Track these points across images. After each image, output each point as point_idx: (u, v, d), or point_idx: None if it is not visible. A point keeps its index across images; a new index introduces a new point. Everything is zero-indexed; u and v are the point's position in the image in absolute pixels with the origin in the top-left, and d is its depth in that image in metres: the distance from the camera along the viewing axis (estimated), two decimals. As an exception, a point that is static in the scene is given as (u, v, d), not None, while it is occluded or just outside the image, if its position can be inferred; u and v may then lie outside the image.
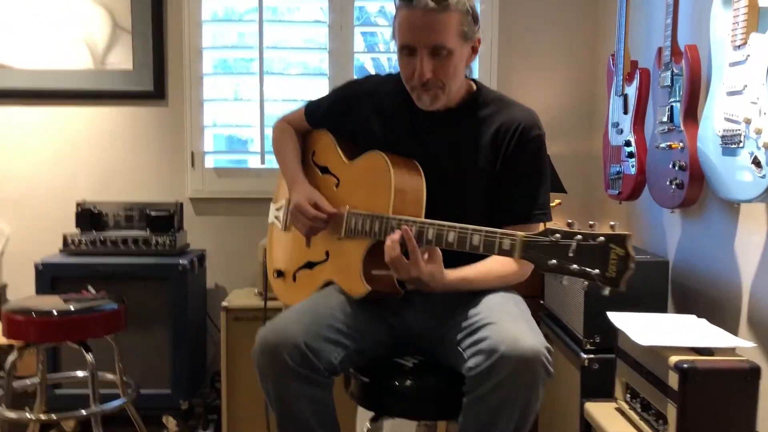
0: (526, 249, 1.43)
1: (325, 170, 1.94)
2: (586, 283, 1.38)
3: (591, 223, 1.38)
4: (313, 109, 2.01)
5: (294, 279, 1.97)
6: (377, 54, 3.40)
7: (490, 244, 1.50)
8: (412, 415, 1.76)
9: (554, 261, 1.38)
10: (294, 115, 2.06)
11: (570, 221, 1.41)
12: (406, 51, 1.67)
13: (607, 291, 1.35)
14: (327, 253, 1.86)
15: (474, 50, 1.72)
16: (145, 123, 3.16)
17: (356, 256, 1.72)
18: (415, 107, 1.77)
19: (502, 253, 1.48)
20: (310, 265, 1.91)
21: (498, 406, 1.46)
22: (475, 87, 1.82)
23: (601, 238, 1.33)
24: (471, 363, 1.49)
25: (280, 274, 2.02)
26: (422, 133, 1.79)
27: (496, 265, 1.70)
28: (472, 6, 1.67)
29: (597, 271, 1.33)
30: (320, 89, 3.17)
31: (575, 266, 1.36)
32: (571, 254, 1.36)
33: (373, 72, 3.36)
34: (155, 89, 3.11)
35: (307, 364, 1.54)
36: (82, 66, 3.09)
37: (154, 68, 3.10)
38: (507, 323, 1.50)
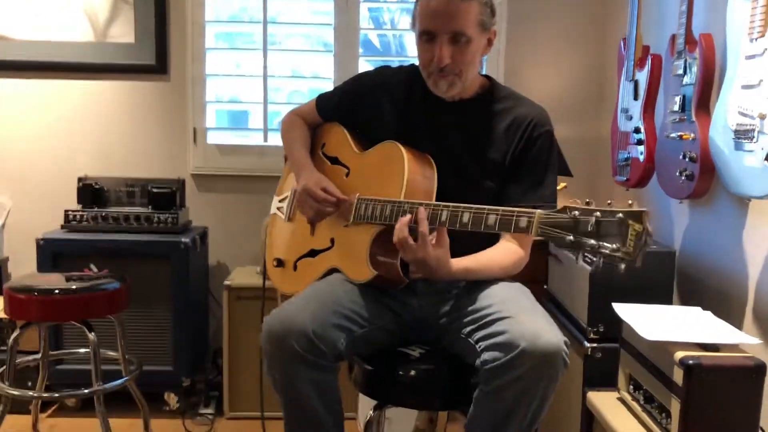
0: (543, 226, 1.44)
1: (335, 161, 1.93)
2: (601, 259, 1.38)
3: (609, 201, 1.38)
4: (324, 102, 2.01)
5: (294, 268, 1.96)
6: (384, 31, 3.34)
7: (506, 222, 1.50)
8: (415, 405, 1.76)
9: (571, 237, 1.39)
10: (304, 108, 2.06)
11: (588, 200, 1.41)
12: (426, 37, 1.70)
13: (622, 267, 1.35)
14: (332, 241, 1.85)
15: (489, 42, 1.77)
16: (147, 98, 3.12)
17: (364, 241, 1.72)
18: (429, 97, 1.79)
19: (518, 230, 1.48)
20: (313, 253, 1.90)
21: (515, 400, 1.47)
22: (488, 82, 1.85)
23: (620, 215, 1.34)
24: (487, 356, 1.49)
25: (280, 263, 2.01)
26: (436, 122, 1.81)
27: (498, 256, 1.72)
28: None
29: (616, 245, 1.34)
30: (326, 65, 3.13)
31: (593, 241, 1.36)
32: (589, 229, 1.37)
33: (379, 47, 3.31)
34: (157, 63, 3.07)
35: (315, 351, 1.55)
36: (82, 38, 3.04)
37: (156, 42, 3.05)
38: (525, 317, 1.51)
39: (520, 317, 1.51)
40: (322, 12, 3.17)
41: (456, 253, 1.65)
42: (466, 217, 1.56)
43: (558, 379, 1.49)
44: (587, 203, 1.41)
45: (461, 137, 1.79)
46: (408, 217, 1.59)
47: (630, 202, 1.36)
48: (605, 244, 1.34)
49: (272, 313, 1.62)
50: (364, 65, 3.11)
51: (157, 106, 3.12)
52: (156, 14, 3.03)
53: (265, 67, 3.04)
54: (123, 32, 3.04)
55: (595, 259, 1.38)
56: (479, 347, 1.53)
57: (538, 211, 1.46)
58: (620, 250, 1.33)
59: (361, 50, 3.11)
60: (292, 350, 1.54)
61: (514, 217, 1.49)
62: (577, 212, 1.39)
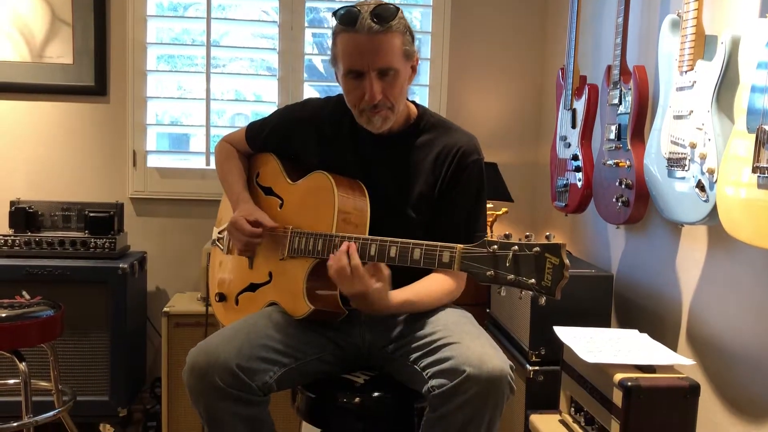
0: (465, 261, 1.45)
1: (269, 191, 1.91)
2: (523, 292, 1.41)
3: (527, 234, 1.41)
4: (254, 134, 1.97)
5: (236, 302, 1.93)
6: (328, 56, 3.34)
7: (430, 256, 1.51)
8: (359, 432, 1.75)
9: (492, 272, 1.41)
10: (236, 136, 2.02)
11: (507, 233, 1.44)
12: (353, 75, 1.65)
13: (543, 300, 1.38)
14: (270, 274, 1.83)
15: (413, 69, 1.74)
16: (85, 119, 3.04)
17: (299, 275, 1.70)
18: (357, 131, 1.77)
19: (442, 266, 1.50)
20: (252, 288, 1.88)
21: (463, 425, 1.47)
22: (416, 111, 1.82)
23: (537, 248, 1.36)
24: (434, 383, 1.49)
25: (222, 297, 1.98)
26: (364, 156, 1.79)
27: (434, 285, 1.71)
28: (408, 25, 1.68)
29: (533, 280, 1.37)
30: (269, 89, 3.12)
31: (512, 276, 1.39)
32: (507, 264, 1.39)
33: (323, 71, 3.33)
34: (96, 84, 3.00)
35: (239, 385, 1.52)
36: (17, 58, 2.95)
37: (96, 62, 2.99)
38: (470, 343, 1.51)
39: (465, 343, 1.52)
40: (266, 36, 3.17)
41: (395, 283, 1.65)
42: (393, 251, 1.56)
43: (504, 403, 1.49)
44: (506, 236, 1.43)
45: (389, 172, 1.78)
46: (345, 245, 1.57)
47: (547, 234, 1.38)
48: (523, 279, 1.37)
49: (197, 346, 1.58)
50: (309, 90, 3.12)
51: (96, 128, 3.05)
52: (95, 35, 2.97)
53: (207, 90, 3.01)
54: (61, 52, 2.97)
55: (517, 290, 1.41)
56: (426, 374, 1.53)
57: (459, 246, 1.46)
58: (539, 284, 1.35)
59: (305, 75, 3.12)
60: (215, 385, 1.51)
61: (437, 252, 1.49)
62: (495, 246, 1.40)
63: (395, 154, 1.78)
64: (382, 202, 1.74)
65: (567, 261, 1.34)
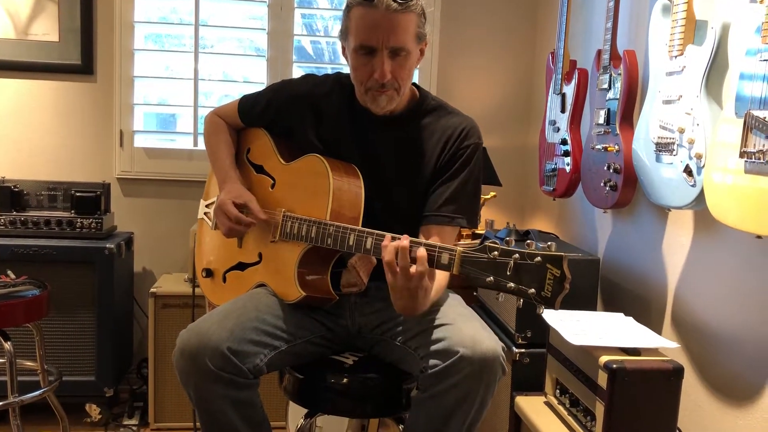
0: (465, 265, 1.42)
1: (260, 169, 1.88)
2: (521, 300, 1.40)
3: (528, 241, 1.39)
4: (247, 108, 1.91)
5: (224, 280, 1.91)
6: (318, 37, 3.33)
7: (430, 257, 1.46)
8: (347, 413, 1.75)
9: (491, 278, 1.39)
10: (227, 110, 1.96)
11: (507, 238, 1.41)
12: (365, 51, 1.61)
13: (542, 309, 1.37)
14: (260, 255, 1.81)
15: (422, 52, 1.71)
16: (72, 98, 3.01)
17: (291, 260, 1.69)
18: (356, 110, 1.75)
19: (441, 267, 1.45)
20: (241, 267, 1.86)
21: (454, 405, 1.48)
22: (417, 93, 1.80)
23: (539, 258, 1.34)
24: (426, 363, 1.49)
25: (209, 273, 1.96)
26: (363, 137, 1.76)
27: (441, 276, 1.64)
28: (424, 7, 1.65)
29: (533, 290, 1.35)
30: (258, 70, 3.10)
31: (512, 284, 1.36)
32: (508, 272, 1.37)
33: (312, 53, 3.31)
34: (83, 63, 2.97)
35: (230, 368, 1.51)
36: (1, 35, 2.91)
37: (82, 41, 2.96)
38: (463, 324, 1.52)
39: (458, 324, 1.52)
40: (256, 17, 3.14)
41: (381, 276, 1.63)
42: None
43: (496, 385, 1.51)
44: (506, 242, 1.39)
45: (388, 153, 1.75)
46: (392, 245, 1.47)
47: (549, 243, 1.36)
48: (523, 288, 1.35)
49: (188, 328, 1.57)
50: (298, 72, 3.10)
51: (83, 107, 3.02)
52: (82, 12, 2.93)
53: (195, 70, 2.99)
54: (46, 29, 2.93)
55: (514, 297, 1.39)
56: (419, 354, 1.54)
57: (459, 248, 1.43)
58: (539, 294, 1.34)
59: (294, 57, 3.10)
60: (206, 368, 1.49)
61: (436, 253, 1.45)
62: (496, 252, 1.38)
63: (395, 135, 1.75)
64: (379, 184, 1.72)
65: (569, 274, 1.33)
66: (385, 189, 1.74)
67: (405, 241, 1.45)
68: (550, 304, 1.33)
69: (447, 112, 1.79)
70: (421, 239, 1.51)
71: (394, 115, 1.74)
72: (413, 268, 1.43)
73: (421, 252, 1.43)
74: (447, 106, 1.81)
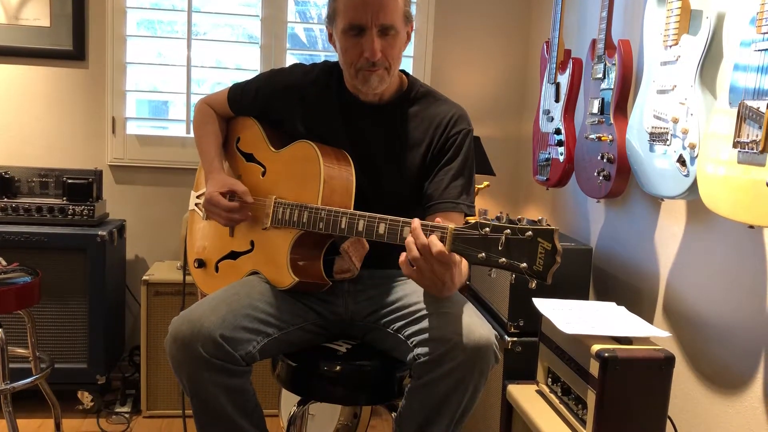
0: (457, 242, 1.43)
1: (250, 158, 1.88)
2: (514, 275, 1.40)
3: (519, 217, 1.40)
4: (237, 97, 1.92)
5: (216, 269, 1.91)
6: (311, 24, 3.32)
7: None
8: (341, 400, 1.76)
9: (483, 254, 1.40)
10: (217, 98, 1.96)
11: (498, 214, 1.43)
12: (355, 31, 1.62)
13: (534, 284, 1.37)
14: (252, 243, 1.81)
15: (408, 35, 1.72)
16: (63, 84, 2.99)
17: (283, 246, 1.69)
18: (345, 98, 1.75)
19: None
20: (233, 255, 1.86)
21: (448, 393, 1.48)
22: (407, 80, 1.80)
23: (530, 233, 1.35)
24: (419, 351, 1.49)
25: (201, 264, 1.95)
26: (352, 125, 1.76)
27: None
28: None
29: (525, 264, 1.35)
30: (251, 57, 3.08)
31: (504, 259, 1.38)
32: (500, 248, 1.38)
33: (305, 41, 3.29)
34: (74, 48, 2.94)
35: (223, 355, 1.51)
36: (-8, 19, 2.88)
37: (74, 26, 2.92)
38: (456, 312, 1.52)
39: (452, 312, 1.52)
40: (249, 3, 3.12)
41: (379, 260, 1.65)
42: (381, 228, 1.53)
43: (489, 372, 1.51)
44: (498, 217, 1.41)
45: (378, 141, 1.75)
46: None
47: (540, 218, 1.38)
48: (515, 262, 1.36)
49: (180, 315, 1.56)
50: (291, 59, 3.09)
51: (74, 93, 3.00)
52: (73, -4, 2.90)
53: (188, 57, 2.97)
54: (37, 14, 2.90)
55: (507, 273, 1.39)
56: (411, 342, 1.54)
57: (451, 226, 1.43)
58: (531, 268, 1.34)
59: (287, 44, 3.08)
60: (199, 355, 1.49)
61: (428, 232, 1.45)
62: (488, 228, 1.39)
63: (385, 123, 1.76)
64: (369, 172, 1.73)
65: (559, 246, 1.33)
66: (374, 177, 1.74)
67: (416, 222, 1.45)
68: (543, 278, 1.34)
69: (436, 100, 1.79)
70: (409, 219, 1.49)
71: (382, 102, 1.75)
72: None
73: (415, 223, 1.44)
74: (436, 94, 1.81)
